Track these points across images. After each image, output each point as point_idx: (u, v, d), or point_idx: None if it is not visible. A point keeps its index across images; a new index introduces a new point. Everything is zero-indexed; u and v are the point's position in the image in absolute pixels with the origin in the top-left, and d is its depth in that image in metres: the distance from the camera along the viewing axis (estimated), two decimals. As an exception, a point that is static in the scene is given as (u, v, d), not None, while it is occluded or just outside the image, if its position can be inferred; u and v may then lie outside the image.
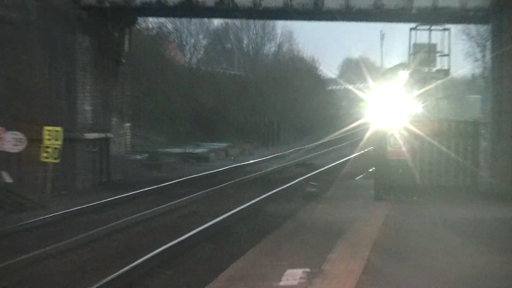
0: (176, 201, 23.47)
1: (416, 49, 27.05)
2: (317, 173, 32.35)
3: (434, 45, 27.24)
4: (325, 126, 55.09)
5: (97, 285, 12.00)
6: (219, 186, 27.87)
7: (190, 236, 16.70)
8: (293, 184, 27.83)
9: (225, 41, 71.25)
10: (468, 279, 9.92)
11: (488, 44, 26.14)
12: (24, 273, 14.06)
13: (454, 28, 30.49)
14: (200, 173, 32.79)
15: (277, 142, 53.48)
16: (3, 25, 25.09)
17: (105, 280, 12.34)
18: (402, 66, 26.60)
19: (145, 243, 16.78)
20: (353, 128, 39.74)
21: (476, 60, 49.87)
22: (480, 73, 51.37)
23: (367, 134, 27.33)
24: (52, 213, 20.31)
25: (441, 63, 27.76)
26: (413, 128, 20.83)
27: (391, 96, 21.99)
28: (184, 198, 24.28)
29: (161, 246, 15.17)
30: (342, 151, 46.98)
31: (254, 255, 12.39)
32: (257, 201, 23.04)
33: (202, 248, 16.30)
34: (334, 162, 37.65)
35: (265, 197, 24.04)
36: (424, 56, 26.88)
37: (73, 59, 27.14)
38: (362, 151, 38.59)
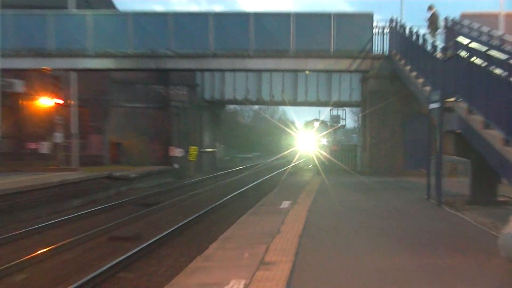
0: (243, 174, 24.08)
1: (332, 117, 27.48)
2: (294, 164, 31.68)
3: (339, 115, 27.59)
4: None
5: (218, 203, 13.02)
6: (256, 169, 27.98)
7: (252, 185, 17.85)
8: (284, 169, 27.51)
9: (259, 112, 70.90)
10: (342, 201, 10.18)
11: (360, 115, 26.26)
12: (196, 197, 14.98)
13: (348, 109, 30.71)
14: (248, 164, 32.88)
15: (276, 153, 52.62)
16: (174, 109, 24.86)
17: (223, 199, 13.52)
18: (315, 119, 26.40)
19: (238, 185, 17.55)
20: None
21: (356, 121, 49.38)
22: (357, 126, 50.92)
23: (301, 150, 27.42)
24: (196, 179, 20.67)
25: (342, 122, 28.18)
26: (321, 150, 19.69)
27: (310, 135, 21.50)
28: (245, 173, 24.70)
29: (244, 186, 16.64)
30: (301, 155, 45.72)
31: (270, 196, 11.97)
32: (271, 175, 23.07)
33: (257, 187, 17.41)
34: (298, 161, 37.13)
35: (273, 174, 24.00)
36: (335, 119, 27.28)
37: (201, 121, 26.94)
38: (307, 158, 36.81)
